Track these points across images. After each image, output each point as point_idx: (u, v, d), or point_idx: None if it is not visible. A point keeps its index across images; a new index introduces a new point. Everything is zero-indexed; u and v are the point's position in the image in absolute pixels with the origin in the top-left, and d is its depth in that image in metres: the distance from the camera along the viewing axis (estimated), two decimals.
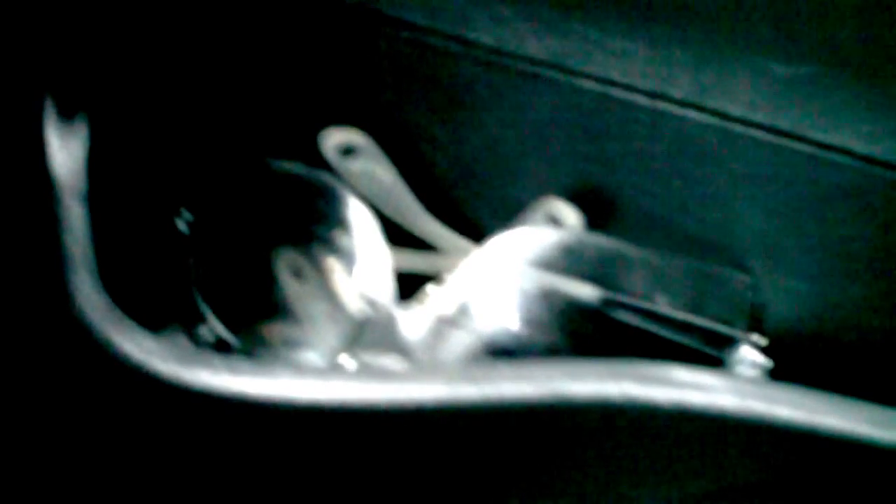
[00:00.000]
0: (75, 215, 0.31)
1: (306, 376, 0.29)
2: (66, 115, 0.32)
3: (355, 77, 0.41)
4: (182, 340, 0.36)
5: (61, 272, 0.31)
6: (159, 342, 0.30)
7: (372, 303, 0.37)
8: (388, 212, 0.42)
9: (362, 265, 0.38)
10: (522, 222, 0.41)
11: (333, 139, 0.41)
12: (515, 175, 0.41)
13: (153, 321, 0.32)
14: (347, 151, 0.41)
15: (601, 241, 0.38)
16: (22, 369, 0.31)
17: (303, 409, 0.29)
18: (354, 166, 0.41)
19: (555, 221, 0.41)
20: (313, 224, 0.38)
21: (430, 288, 0.38)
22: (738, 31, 0.36)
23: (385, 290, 0.38)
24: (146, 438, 0.31)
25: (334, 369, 0.35)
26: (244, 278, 0.38)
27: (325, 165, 0.41)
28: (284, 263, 0.38)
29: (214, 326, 0.36)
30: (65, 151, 0.32)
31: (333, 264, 0.38)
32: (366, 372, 0.34)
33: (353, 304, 0.38)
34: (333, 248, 0.38)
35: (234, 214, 0.38)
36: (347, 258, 0.38)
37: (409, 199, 0.42)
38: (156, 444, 0.31)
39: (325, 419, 0.29)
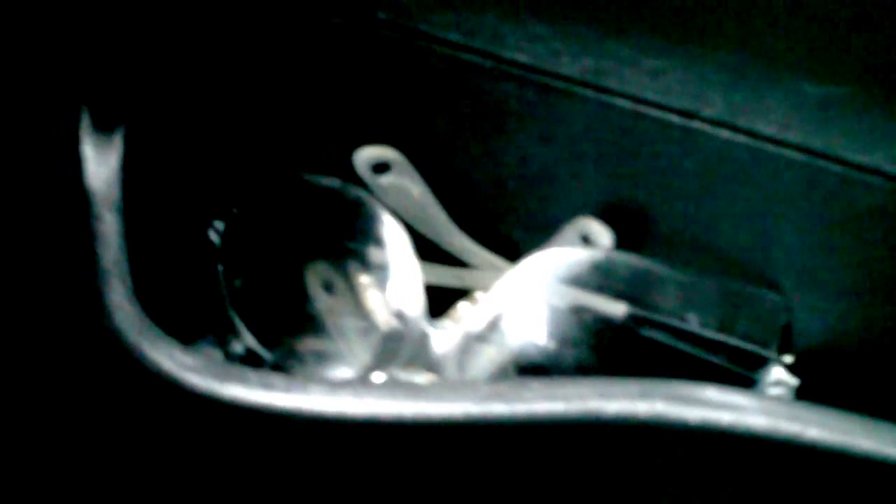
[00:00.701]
0: (110, 227, 0.32)
1: (338, 391, 0.29)
2: (102, 128, 0.33)
3: (388, 93, 0.41)
4: (215, 353, 0.36)
5: (96, 284, 0.31)
6: (193, 355, 0.30)
7: (403, 318, 0.37)
8: (420, 228, 0.42)
9: (394, 280, 0.38)
10: (555, 241, 0.41)
11: (366, 155, 0.41)
12: (547, 192, 0.41)
13: (187, 333, 0.32)
14: (380, 167, 0.41)
15: (632, 259, 0.38)
16: (57, 379, 0.32)
17: (334, 423, 0.29)
18: (387, 182, 0.41)
19: (587, 240, 0.41)
20: (345, 238, 0.39)
21: (461, 304, 0.38)
22: (771, 50, 0.36)
23: (416, 305, 0.38)
24: (179, 449, 0.31)
25: (365, 384, 0.35)
26: (277, 292, 0.38)
27: (358, 182, 0.41)
28: (316, 277, 0.38)
29: (247, 340, 0.37)
30: (100, 163, 0.32)
31: (365, 279, 0.38)
32: (396, 387, 0.34)
33: (384, 319, 0.38)
34: (365, 263, 0.38)
35: (267, 227, 0.39)
36: (379, 273, 0.38)
37: (440, 216, 0.42)
38: (188, 455, 0.31)
39: (355, 433, 0.29)
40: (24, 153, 0.32)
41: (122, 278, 0.31)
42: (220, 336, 0.37)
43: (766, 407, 0.28)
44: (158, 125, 0.36)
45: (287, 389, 0.29)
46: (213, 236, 0.38)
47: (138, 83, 0.35)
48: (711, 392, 0.29)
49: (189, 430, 0.31)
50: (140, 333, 0.30)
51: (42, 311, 0.32)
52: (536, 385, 0.29)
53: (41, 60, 0.33)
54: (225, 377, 0.30)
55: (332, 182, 0.39)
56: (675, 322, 0.38)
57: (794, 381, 0.36)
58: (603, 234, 0.41)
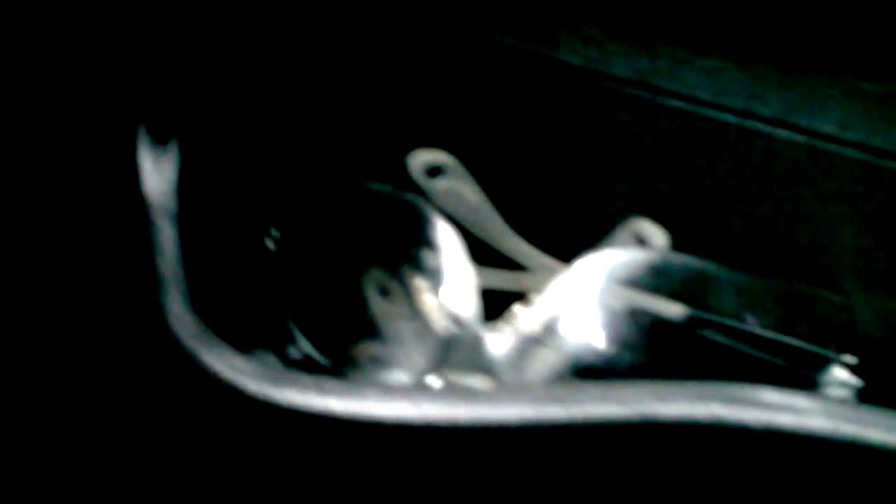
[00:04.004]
0: (167, 236, 0.32)
1: (392, 396, 0.29)
2: (159, 140, 0.33)
3: (441, 97, 0.41)
4: (271, 359, 0.37)
5: (155, 291, 0.31)
6: (248, 360, 0.30)
7: (458, 322, 0.37)
8: (474, 231, 0.42)
9: (448, 284, 0.38)
10: (609, 242, 0.41)
11: (420, 159, 0.41)
12: (602, 193, 0.41)
13: (243, 340, 0.32)
14: (434, 171, 0.41)
15: (688, 260, 0.38)
16: (117, 383, 0.32)
17: (389, 428, 0.29)
18: (441, 186, 0.41)
19: (641, 241, 0.41)
20: (400, 243, 0.39)
21: (517, 307, 0.38)
22: (826, 49, 0.35)
23: (471, 309, 0.38)
24: (234, 453, 0.31)
25: (420, 388, 0.35)
26: (333, 297, 0.39)
27: (412, 187, 0.41)
28: (372, 282, 0.39)
29: (303, 346, 0.37)
30: (157, 175, 0.33)
31: (420, 283, 0.38)
32: (451, 391, 0.34)
33: (440, 323, 0.38)
34: (420, 268, 0.38)
35: (323, 234, 0.39)
36: (434, 277, 0.38)
37: (495, 219, 0.42)
38: (243, 458, 0.31)
39: (411, 437, 0.29)
40: (85, 167, 0.33)
41: (179, 286, 0.31)
42: (278, 343, 0.37)
43: (827, 409, 0.28)
44: (213, 135, 0.37)
45: (342, 394, 0.29)
46: (269, 244, 0.38)
47: (193, 94, 0.36)
48: (771, 394, 0.28)
49: (244, 435, 0.31)
50: (196, 339, 0.30)
51: (103, 318, 0.32)
52: (593, 388, 0.29)
53: (99, 77, 0.33)
54: (280, 381, 0.30)
55: (385, 187, 0.39)
56: (734, 323, 0.37)
57: (856, 381, 0.36)
58: (657, 235, 0.41)
